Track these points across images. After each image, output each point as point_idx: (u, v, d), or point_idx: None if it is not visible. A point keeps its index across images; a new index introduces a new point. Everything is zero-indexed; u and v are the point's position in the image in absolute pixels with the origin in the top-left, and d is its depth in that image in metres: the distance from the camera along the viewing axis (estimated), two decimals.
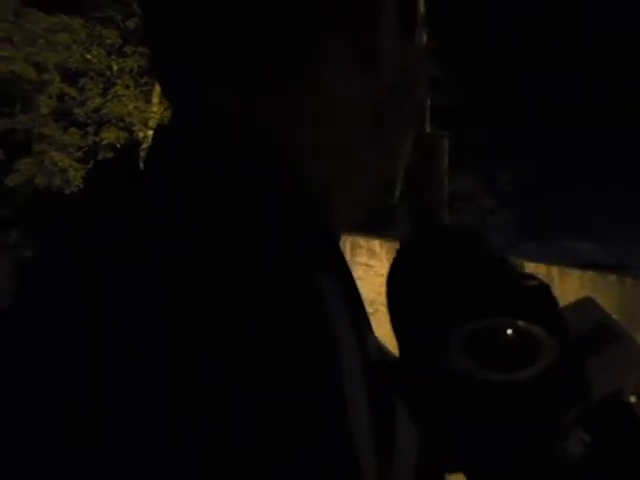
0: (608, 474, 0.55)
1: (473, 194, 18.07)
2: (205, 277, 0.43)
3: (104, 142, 12.46)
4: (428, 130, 0.68)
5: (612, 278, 17.55)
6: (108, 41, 12.82)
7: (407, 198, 0.66)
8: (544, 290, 0.53)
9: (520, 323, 0.49)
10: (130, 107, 12.58)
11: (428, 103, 0.68)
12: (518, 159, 16.38)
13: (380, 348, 0.59)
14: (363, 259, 12.66)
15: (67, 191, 12.05)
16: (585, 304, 0.58)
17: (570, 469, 0.55)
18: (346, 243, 12.18)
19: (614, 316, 0.57)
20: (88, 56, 12.93)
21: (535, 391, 0.48)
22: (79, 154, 12.60)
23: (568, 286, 16.66)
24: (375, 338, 0.58)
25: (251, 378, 0.41)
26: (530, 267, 16.65)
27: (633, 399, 0.59)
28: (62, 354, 0.43)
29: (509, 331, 0.49)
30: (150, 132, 11.97)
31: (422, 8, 0.64)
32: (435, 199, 0.65)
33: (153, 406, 0.40)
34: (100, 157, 12.46)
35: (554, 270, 17.15)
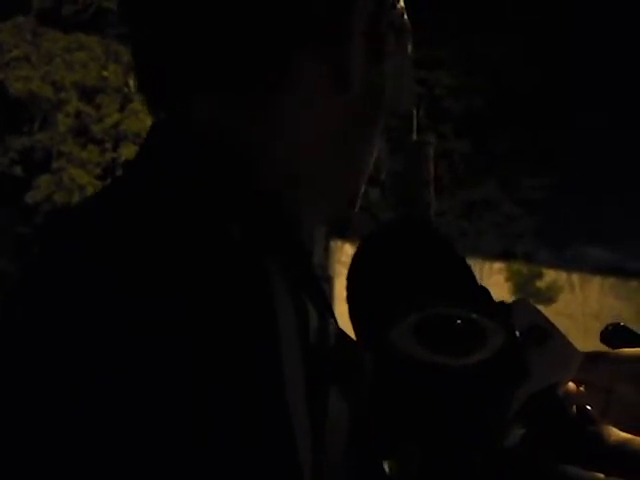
0: (536, 465, 0.58)
1: (496, 202, 17.88)
2: (166, 267, 0.48)
3: (122, 158, 12.58)
4: (414, 138, 0.69)
5: (634, 284, 17.41)
6: (124, 58, 12.96)
7: (396, 205, 0.68)
8: (488, 291, 0.56)
9: (468, 313, 0.52)
10: (148, 123, 12.64)
11: (414, 112, 0.70)
12: (542, 166, 16.18)
13: (342, 334, 0.62)
14: None
15: None
16: (520, 306, 0.60)
17: (503, 458, 0.58)
18: None
19: (548, 316, 0.59)
20: (105, 73, 13.09)
21: (482, 374, 0.51)
22: (98, 171, 12.73)
23: (589, 292, 16.55)
24: (336, 324, 0.62)
25: (188, 357, 0.45)
26: (550, 274, 16.58)
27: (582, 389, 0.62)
28: (54, 353, 0.47)
29: (458, 320, 0.52)
30: None
31: (407, 20, 0.66)
32: (423, 204, 0.67)
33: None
34: (118, 173, 12.57)
35: (575, 277, 17.05)
